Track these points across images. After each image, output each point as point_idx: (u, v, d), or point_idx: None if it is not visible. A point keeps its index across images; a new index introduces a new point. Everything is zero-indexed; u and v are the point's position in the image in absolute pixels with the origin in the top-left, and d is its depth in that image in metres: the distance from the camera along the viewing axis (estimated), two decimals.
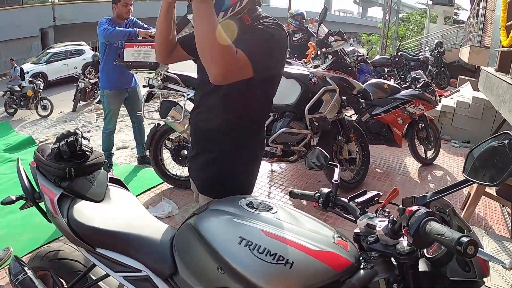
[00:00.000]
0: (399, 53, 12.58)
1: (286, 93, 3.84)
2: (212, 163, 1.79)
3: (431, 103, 5.35)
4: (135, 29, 4.25)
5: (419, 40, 24.22)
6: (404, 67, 11.54)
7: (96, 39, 17.32)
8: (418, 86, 5.44)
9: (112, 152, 4.90)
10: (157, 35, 1.77)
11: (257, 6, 1.72)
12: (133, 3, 4.54)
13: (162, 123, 3.98)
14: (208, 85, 1.55)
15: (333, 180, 1.53)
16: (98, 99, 14.01)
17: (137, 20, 4.69)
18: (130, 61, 3.81)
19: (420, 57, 13.88)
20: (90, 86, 13.88)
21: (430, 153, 5.76)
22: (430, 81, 5.89)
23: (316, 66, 4.42)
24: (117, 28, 4.22)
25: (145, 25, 4.61)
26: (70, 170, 1.75)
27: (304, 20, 7.75)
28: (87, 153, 1.84)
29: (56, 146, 1.77)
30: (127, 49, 3.86)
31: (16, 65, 15.39)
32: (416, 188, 4.88)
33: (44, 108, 12.49)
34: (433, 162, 5.77)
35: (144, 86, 4.00)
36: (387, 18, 23.46)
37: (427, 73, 13.44)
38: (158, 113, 3.83)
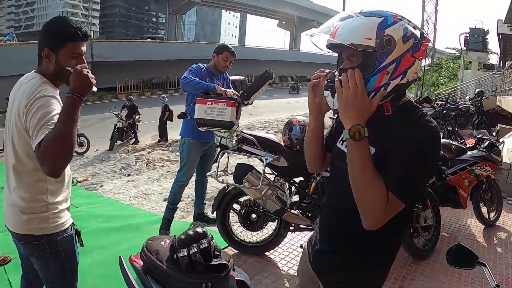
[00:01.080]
0: (447, 105, 12.29)
1: None
2: (349, 265, 1.59)
3: (497, 164, 5.14)
4: (215, 84, 4.06)
5: (454, 87, 23.86)
6: (451, 120, 11.17)
7: (129, 77, 17.64)
8: (483, 146, 5.20)
9: (177, 206, 4.62)
10: (309, 150, 1.71)
11: (401, 94, 1.50)
12: (233, 60, 4.40)
13: (226, 180, 3.75)
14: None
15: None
16: (134, 140, 13.99)
17: (228, 76, 4.56)
18: (202, 119, 3.58)
19: (461, 106, 13.53)
20: (128, 127, 13.87)
21: (492, 214, 5.44)
22: (495, 141, 5.57)
23: None
24: (196, 79, 4.02)
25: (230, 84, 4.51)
26: (207, 286, 1.46)
27: None
28: (225, 262, 1.54)
29: (185, 254, 1.48)
30: (199, 105, 3.57)
31: None
32: (485, 253, 4.54)
33: (81, 145, 12.49)
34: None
35: (216, 146, 3.77)
36: (422, 64, 23.13)
37: (468, 123, 13.11)
38: (232, 176, 3.58)
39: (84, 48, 1.88)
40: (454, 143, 5.45)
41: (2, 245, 3.74)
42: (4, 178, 1.98)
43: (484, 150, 5.11)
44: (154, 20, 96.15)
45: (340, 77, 1.38)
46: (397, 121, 1.42)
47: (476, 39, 23.26)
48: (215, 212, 3.83)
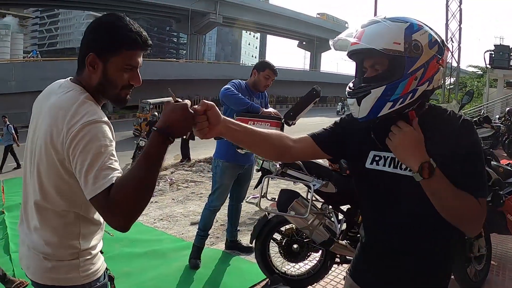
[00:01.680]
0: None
1: None
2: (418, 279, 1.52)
3: None
4: (259, 106, 3.80)
5: (480, 106, 23.32)
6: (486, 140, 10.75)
7: (151, 96, 17.68)
8: None
9: (208, 233, 4.29)
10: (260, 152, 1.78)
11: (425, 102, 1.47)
12: (274, 79, 4.14)
13: (269, 209, 3.40)
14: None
15: None
16: None
17: (265, 95, 4.31)
18: None
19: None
20: None
21: None
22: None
23: None
24: (239, 94, 3.76)
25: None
26: None
27: None
28: None
29: None
30: None
31: None
32: None
33: None
34: None
35: (257, 171, 3.46)
36: (446, 83, 22.86)
37: (498, 143, 12.63)
38: (276, 204, 3.25)
39: (141, 60, 1.50)
40: (502, 165, 5.10)
41: (18, 266, 3.37)
42: (21, 206, 1.59)
43: None
44: (175, 40, 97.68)
45: (362, 85, 1.41)
46: (428, 126, 1.39)
47: (501, 56, 22.64)
48: (253, 242, 3.51)
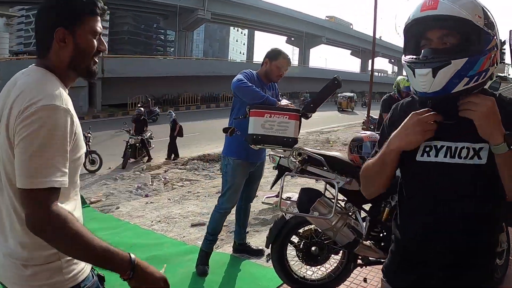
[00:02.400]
0: None
1: None
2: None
3: None
4: (275, 99, 3.47)
5: None
6: None
7: (140, 94, 17.14)
8: None
9: (217, 237, 3.98)
10: (378, 183, 1.58)
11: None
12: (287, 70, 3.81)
13: (290, 210, 3.10)
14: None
15: None
16: (147, 157, 13.47)
17: (276, 85, 3.98)
18: (258, 135, 2.91)
19: None
20: (140, 143, 13.35)
21: None
22: None
23: None
24: (253, 86, 3.43)
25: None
26: None
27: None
28: None
29: None
30: (254, 118, 2.93)
31: None
32: None
33: (93, 162, 11.86)
34: None
35: (274, 168, 3.17)
36: None
37: None
38: (296, 205, 2.97)
39: (101, 27, 1.44)
40: None
41: None
42: None
43: None
44: (162, 38, 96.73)
45: (439, 55, 1.28)
46: None
47: None
48: (269, 246, 3.22)
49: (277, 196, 3.23)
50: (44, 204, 1.15)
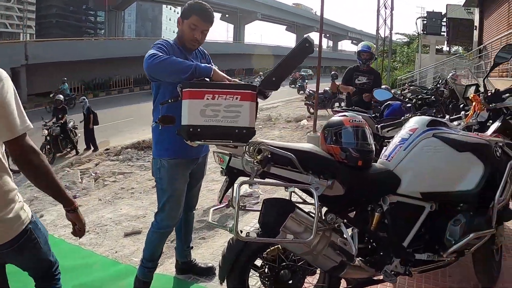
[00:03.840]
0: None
1: (459, 173, 2.51)
2: None
3: None
4: (210, 65, 2.50)
5: (413, 72, 23.59)
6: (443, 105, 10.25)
7: (69, 80, 15.37)
8: None
9: (158, 263, 3.06)
10: None
11: None
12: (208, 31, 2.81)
13: (252, 235, 2.13)
14: None
15: None
16: (74, 150, 12.18)
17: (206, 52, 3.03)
18: (197, 126, 1.93)
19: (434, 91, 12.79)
20: (63, 134, 11.98)
21: None
22: None
23: (467, 127, 3.15)
24: (173, 57, 2.44)
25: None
26: None
27: (374, 59, 6.21)
28: None
29: None
30: (189, 102, 1.95)
31: None
32: None
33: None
34: None
35: (222, 173, 2.24)
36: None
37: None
38: (260, 223, 2.09)
39: None
40: None
41: None
42: None
43: None
44: (92, 19, 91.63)
45: None
46: None
47: (434, 23, 23.60)
48: (224, 280, 2.35)
49: (228, 205, 2.35)
50: None
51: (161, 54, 2.40)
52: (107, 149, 11.81)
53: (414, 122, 2.58)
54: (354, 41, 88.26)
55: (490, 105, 3.02)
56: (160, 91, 2.68)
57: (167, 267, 3.59)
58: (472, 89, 3.39)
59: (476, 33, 17.92)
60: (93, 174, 8.91)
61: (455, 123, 3.13)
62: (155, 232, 2.89)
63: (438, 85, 12.65)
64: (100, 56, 31.72)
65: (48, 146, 11.36)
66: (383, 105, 6.05)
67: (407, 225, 2.42)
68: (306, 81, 29.85)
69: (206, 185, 5.96)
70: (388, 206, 2.33)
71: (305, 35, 2.09)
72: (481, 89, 3.33)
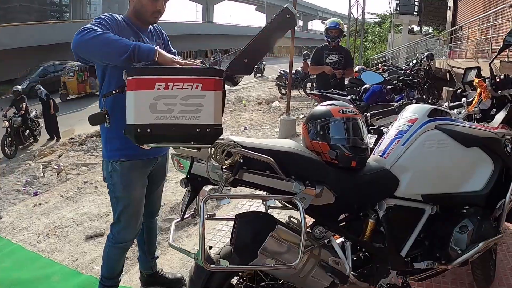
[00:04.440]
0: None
1: (466, 172, 2.16)
2: None
3: None
4: (153, 46, 1.98)
5: (386, 52, 23.45)
6: (420, 86, 9.97)
7: (34, 66, 14.54)
8: None
9: (119, 279, 2.64)
10: None
11: None
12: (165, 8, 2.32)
13: (223, 263, 1.67)
14: None
15: None
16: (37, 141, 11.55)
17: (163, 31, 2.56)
18: (145, 125, 1.49)
19: (408, 71, 12.57)
20: (25, 125, 11.34)
21: None
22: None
23: (469, 117, 2.81)
24: (109, 33, 1.94)
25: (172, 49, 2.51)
26: None
27: (343, 36, 5.82)
28: None
29: None
30: (135, 94, 1.51)
31: None
32: None
33: None
34: None
35: (182, 184, 1.76)
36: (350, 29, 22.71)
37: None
38: (232, 245, 1.68)
39: None
40: None
41: None
42: None
43: None
44: (57, 2, 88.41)
45: None
46: None
47: (407, 3, 23.41)
48: None
49: (194, 215, 1.93)
50: None
51: (95, 29, 1.91)
52: (71, 138, 11.21)
53: (413, 111, 2.19)
54: (324, 21, 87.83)
55: (498, 92, 2.65)
56: (106, 78, 2.21)
57: (131, 277, 3.17)
58: (473, 73, 3.00)
59: (450, 13, 17.74)
60: (55, 167, 8.35)
61: (455, 111, 2.75)
62: (113, 247, 2.47)
63: (416, 66, 12.49)
64: (66, 39, 30.34)
65: (10, 139, 10.68)
66: (362, 87, 5.70)
67: (405, 231, 2.08)
68: (264, 62, 27.82)
69: (173, 175, 5.50)
70: (384, 212, 1.97)
71: (285, 5, 1.66)
72: (483, 73, 2.96)
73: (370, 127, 3.31)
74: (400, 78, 8.40)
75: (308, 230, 1.84)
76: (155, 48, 1.93)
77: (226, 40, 49.17)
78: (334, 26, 5.48)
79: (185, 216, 1.88)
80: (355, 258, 2.07)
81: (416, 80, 8.95)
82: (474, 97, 2.70)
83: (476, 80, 2.69)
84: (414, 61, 13.00)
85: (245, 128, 10.42)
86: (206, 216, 2.04)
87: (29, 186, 7.40)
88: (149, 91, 1.49)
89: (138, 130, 1.50)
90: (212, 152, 1.56)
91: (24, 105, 11.71)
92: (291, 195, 1.65)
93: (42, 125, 12.41)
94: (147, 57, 1.88)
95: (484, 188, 2.13)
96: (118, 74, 1.82)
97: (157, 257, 2.94)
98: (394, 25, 25.10)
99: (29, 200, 6.58)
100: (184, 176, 1.73)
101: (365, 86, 5.31)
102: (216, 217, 2.34)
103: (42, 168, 8.39)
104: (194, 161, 1.69)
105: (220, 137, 1.58)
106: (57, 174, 7.93)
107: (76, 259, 3.86)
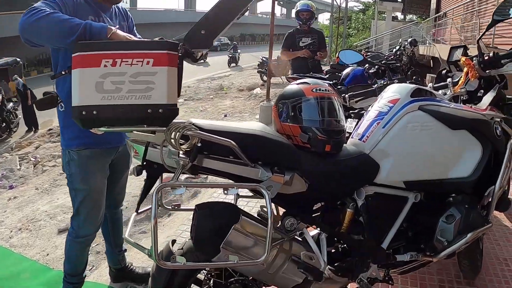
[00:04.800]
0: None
1: (452, 157, 2.00)
2: None
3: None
4: (105, 24, 1.84)
5: (369, 38, 23.41)
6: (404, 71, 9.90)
7: (10, 57, 14.16)
8: None
9: (84, 275, 2.50)
10: None
11: None
12: None
13: (180, 259, 1.46)
14: None
15: None
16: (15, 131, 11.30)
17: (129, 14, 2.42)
18: (91, 107, 1.33)
19: (391, 57, 12.55)
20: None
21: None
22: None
23: (454, 97, 2.57)
24: (58, 12, 1.77)
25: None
26: None
27: (314, 19, 5.65)
28: None
29: None
30: (80, 72, 1.35)
31: None
32: None
33: None
34: None
35: (134, 173, 1.58)
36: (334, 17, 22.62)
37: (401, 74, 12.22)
38: (192, 239, 1.51)
39: None
40: None
41: None
42: None
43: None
44: None
45: None
46: None
47: None
48: None
49: (175, 208, 1.79)
50: None
51: (43, 9, 1.74)
52: (50, 129, 10.87)
53: (394, 91, 2.01)
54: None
55: (486, 72, 2.44)
56: (61, 57, 2.04)
57: (102, 272, 3.06)
58: (459, 51, 2.81)
59: (434, 0, 17.69)
60: (32, 159, 8.09)
61: (440, 92, 2.56)
62: (74, 242, 2.32)
63: (398, 51, 12.39)
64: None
65: None
66: (343, 71, 5.53)
67: (387, 221, 1.93)
68: (239, 51, 26.49)
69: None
70: (363, 201, 1.82)
71: None
72: (470, 53, 2.77)
73: (351, 111, 3.16)
74: (383, 62, 8.24)
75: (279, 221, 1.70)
76: (107, 25, 1.77)
77: None
78: (305, 8, 5.35)
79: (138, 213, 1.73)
80: (333, 251, 1.94)
81: (399, 65, 8.85)
82: (461, 77, 2.50)
83: (463, 59, 2.47)
84: (398, 47, 12.94)
85: (225, 115, 10.30)
86: (171, 207, 1.91)
87: (5, 180, 7.16)
88: (95, 69, 1.33)
89: (84, 113, 1.34)
90: (168, 135, 1.39)
91: (0, 97, 11.40)
92: (258, 183, 1.49)
93: (20, 116, 12.11)
94: (99, 36, 1.72)
95: (472, 174, 1.96)
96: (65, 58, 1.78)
97: (125, 250, 2.80)
98: (378, 12, 25.05)
99: (4, 194, 6.34)
100: (141, 165, 1.56)
101: (346, 71, 5.15)
102: (180, 208, 2.16)
103: (19, 161, 8.12)
104: (149, 147, 1.53)
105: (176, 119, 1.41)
106: (34, 166, 7.68)
107: (47, 254, 3.70)
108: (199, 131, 1.41)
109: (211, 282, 1.83)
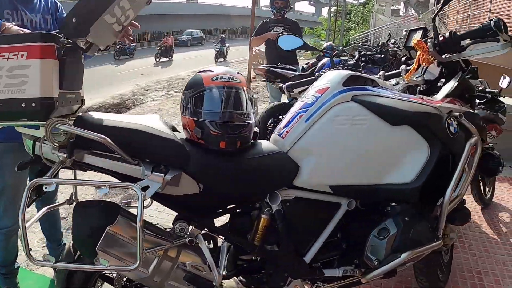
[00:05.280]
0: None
1: (390, 158, 1.69)
2: None
3: (500, 126, 3.30)
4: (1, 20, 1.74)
5: (367, 32, 23.20)
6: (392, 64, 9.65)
7: None
8: (482, 102, 3.22)
9: (16, 266, 2.40)
10: None
11: None
12: None
13: (50, 259, 1.47)
14: None
15: None
16: None
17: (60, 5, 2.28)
18: None
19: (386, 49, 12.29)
20: None
21: (488, 190, 3.87)
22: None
23: (409, 88, 2.25)
24: None
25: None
26: None
27: (289, 8, 5.41)
28: None
29: None
30: None
31: None
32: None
33: None
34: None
35: (22, 166, 1.50)
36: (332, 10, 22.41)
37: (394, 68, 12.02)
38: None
39: None
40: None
41: None
42: None
43: (486, 108, 3.17)
44: None
45: None
46: None
47: None
48: None
49: (70, 201, 1.67)
50: None
51: None
52: None
53: (325, 79, 1.72)
54: (311, 2, 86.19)
55: (443, 56, 2.06)
56: None
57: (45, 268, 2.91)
58: (418, 34, 2.48)
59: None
60: None
61: (392, 81, 2.24)
62: None
63: (388, 42, 12.09)
64: None
65: None
66: (320, 62, 5.27)
67: (311, 231, 1.66)
68: (227, 44, 24.53)
69: None
70: (279, 206, 1.56)
71: None
72: (429, 34, 2.42)
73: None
74: (362, 53, 7.89)
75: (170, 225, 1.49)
76: (1, 22, 1.68)
77: (210, 19, 49.14)
78: None
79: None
80: (243, 263, 1.69)
81: (383, 57, 8.45)
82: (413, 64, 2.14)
83: (415, 41, 2.11)
84: (384, 41, 12.74)
85: None
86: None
87: None
88: None
89: None
90: (47, 130, 1.31)
91: None
92: (133, 181, 1.31)
93: None
94: None
95: (416, 180, 1.65)
96: None
97: (65, 244, 2.67)
98: (379, 5, 24.90)
99: None
100: (30, 159, 1.50)
101: (321, 62, 4.90)
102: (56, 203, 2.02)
103: None
104: (36, 140, 1.43)
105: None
106: None
107: None
108: (68, 126, 1.29)
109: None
